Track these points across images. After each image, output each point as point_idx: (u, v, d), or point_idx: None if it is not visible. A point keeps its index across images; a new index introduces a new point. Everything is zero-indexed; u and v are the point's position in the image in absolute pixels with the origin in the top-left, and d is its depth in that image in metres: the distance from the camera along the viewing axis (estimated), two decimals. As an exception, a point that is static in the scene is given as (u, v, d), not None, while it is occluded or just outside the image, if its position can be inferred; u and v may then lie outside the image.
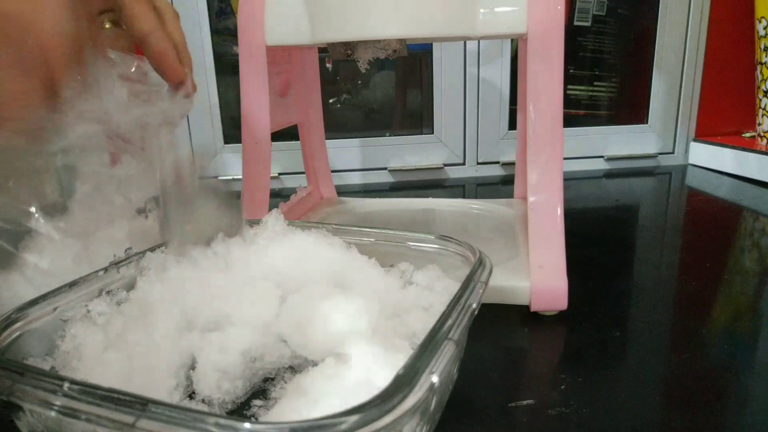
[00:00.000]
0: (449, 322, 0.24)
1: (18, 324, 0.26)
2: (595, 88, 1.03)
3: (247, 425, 0.17)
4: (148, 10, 0.36)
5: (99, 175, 0.37)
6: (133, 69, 0.37)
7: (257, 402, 0.28)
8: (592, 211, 0.75)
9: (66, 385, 0.19)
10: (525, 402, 0.31)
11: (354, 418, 0.17)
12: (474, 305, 0.26)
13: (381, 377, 0.24)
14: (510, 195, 0.68)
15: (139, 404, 0.18)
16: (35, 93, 0.31)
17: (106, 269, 0.32)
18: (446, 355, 0.22)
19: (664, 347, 0.38)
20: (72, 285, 0.29)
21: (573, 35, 0.99)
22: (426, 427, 0.25)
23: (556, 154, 0.43)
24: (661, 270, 0.53)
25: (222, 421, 0.17)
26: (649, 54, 0.98)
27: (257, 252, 0.34)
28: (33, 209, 0.35)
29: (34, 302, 0.27)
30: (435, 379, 0.20)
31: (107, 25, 0.39)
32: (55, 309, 0.28)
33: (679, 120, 1.00)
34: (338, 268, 0.34)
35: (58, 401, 0.19)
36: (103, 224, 0.37)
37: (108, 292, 0.31)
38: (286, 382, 0.30)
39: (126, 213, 0.38)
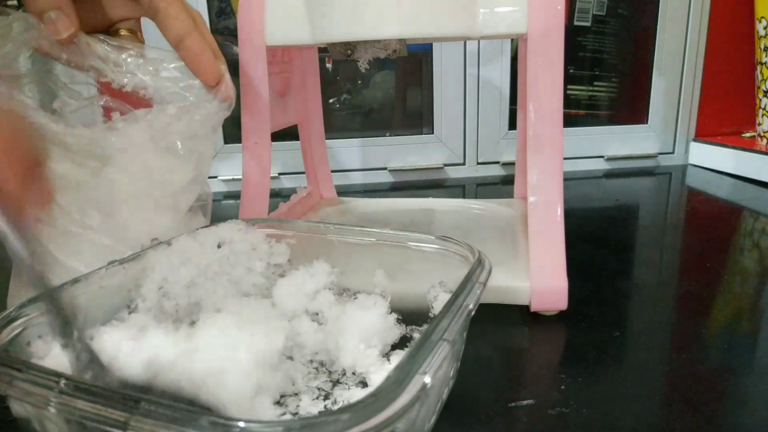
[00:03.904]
0: (444, 322, 0.24)
1: (19, 321, 0.26)
2: (595, 88, 1.03)
3: (241, 424, 0.17)
4: (184, 13, 0.36)
5: (142, 177, 0.37)
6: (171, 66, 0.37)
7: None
8: (592, 211, 0.75)
9: (62, 382, 0.20)
10: (525, 402, 0.31)
11: (345, 416, 0.17)
12: (471, 306, 0.26)
13: None
14: (510, 195, 0.67)
15: (132, 402, 0.18)
16: None
17: (107, 267, 0.32)
18: (440, 356, 0.22)
19: (664, 347, 0.38)
20: (74, 282, 0.29)
21: (573, 35, 0.98)
22: (423, 427, 0.25)
23: (556, 154, 0.43)
24: (661, 270, 0.53)
25: (215, 419, 0.18)
26: (649, 54, 0.98)
27: None
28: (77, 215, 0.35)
29: (35, 300, 0.27)
30: (427, 379, 0.20)
31: (123, 33, 0.39)
32: None
33: (679, 120, 1.00)
34: None
35: (54, 398, 0.19)
36: (145, 226, 0.37)
37: None
38: None
39: (166, 215, 0.38)
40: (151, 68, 0.37)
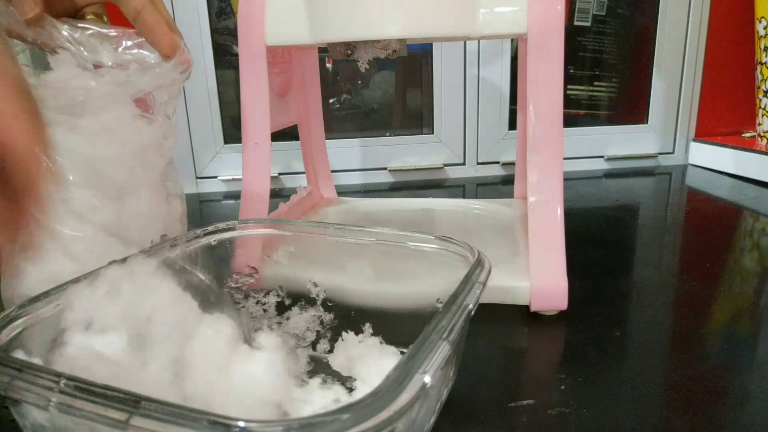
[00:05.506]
0: (444, 322, 0.24)
1: (19, 321, 0.26)
2: (595, 88, 1.03)
3: (240, 423, 0.17)
4: None
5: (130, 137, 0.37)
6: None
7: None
8: (592, 211, 0.75)
9: (62, 381, 0.20)
10: (525, 402, 0.31)
11: (345, 416, 0.17)
12: (470, 306, 0.26)
13: None
14: (510, 195, 0.68)
15: (132, 401, 0.18)
16: None
17: (107, 267, 0.32)
18: (440, 356, 0.22)
19: (664, 347, 0.38)
20: (74, 282, 0.29)
21: (573, 35, 0.99)
22: (423, 427, 0.25)
23: (556, 154, 0.43)
24: (661, 270, 0.53)
25: (215, 419, 0.18)
26: (649, 54, 0.98)
27: None
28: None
29: (35, 299, 0.27)
30: (427, 379, 0.20)
31: (89, 16, 0.41)
32: (57, 305, 0.28)
33: (679, 120, 1.00)
34: None
35: (55, 397, 0.19)
36: (134, 189, 0.37)
37: None
38: None
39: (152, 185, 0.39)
40: (112, 45, 0.39)
